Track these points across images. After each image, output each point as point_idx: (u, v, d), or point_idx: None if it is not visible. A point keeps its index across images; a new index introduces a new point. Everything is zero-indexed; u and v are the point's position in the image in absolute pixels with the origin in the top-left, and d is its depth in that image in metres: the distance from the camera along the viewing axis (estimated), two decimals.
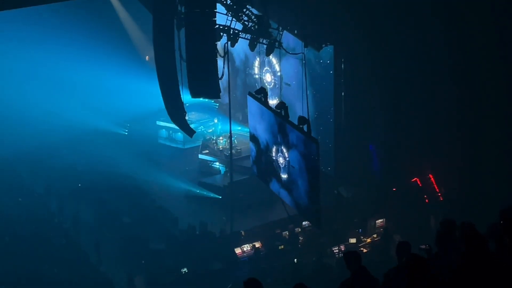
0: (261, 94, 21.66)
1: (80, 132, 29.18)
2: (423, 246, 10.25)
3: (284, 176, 21.38)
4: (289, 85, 24.40)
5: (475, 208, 18.89)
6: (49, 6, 27.16)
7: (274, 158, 21.69)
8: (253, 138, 22.90)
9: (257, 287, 8.79)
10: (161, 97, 22.76)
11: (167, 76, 21.95)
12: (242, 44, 23.45)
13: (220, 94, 21.38)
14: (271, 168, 22.06)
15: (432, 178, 21.80)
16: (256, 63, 26.50)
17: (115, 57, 30.85)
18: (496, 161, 19.39)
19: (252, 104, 22.36)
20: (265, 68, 26.00)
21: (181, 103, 22.38)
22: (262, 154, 22.53)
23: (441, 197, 21.65)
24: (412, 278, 7.48)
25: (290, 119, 20.38)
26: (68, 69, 30.88)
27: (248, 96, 22.56)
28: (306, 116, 20.29)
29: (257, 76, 26.38)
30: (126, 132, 28.65)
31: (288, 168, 20.88)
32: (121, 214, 23.51)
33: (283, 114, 20.41)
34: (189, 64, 20.63)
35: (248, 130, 23.69)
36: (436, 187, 21.74)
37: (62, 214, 23.42)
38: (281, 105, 20.64)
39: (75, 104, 30.34)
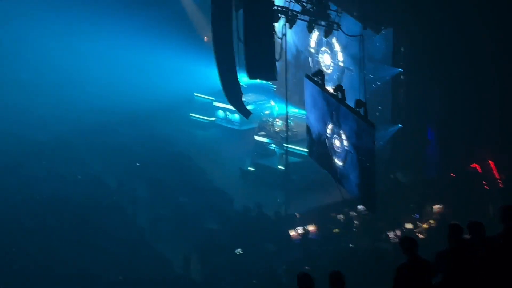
0: (318, 76, 21.50)
1: (138, 110, 29.47)
2: None
3: (339, 159, 21.23)
4: (351, 70, 23.97)
5: None
6: None
7: (330, 141, 21.55)
8: (310, 120, 22.77)
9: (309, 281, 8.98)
10: (218, 78, 22.83)
11: (224, 57, 22.02)
12: (301, 25, 23.23)
13: (277, 75, 21.31)
14: (327, 151, 21.92)
15: (492, 164, 21.34)
16: (312, 43, 26.11)
17: (173, 36, 31.08)
18: None
19: (309, 86, 22.22)
20: (323, 48, 25.62)
21: (238, 84, 22.45)
22: (318, 137, 22.41)
23: (501, 183, 21.19)
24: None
25: (347, 102, 20.19)
26: (127, 48, 31.29)
27: (305, 78, 22.43)
28: (363, 100, 20.06)
29: (318, 59, 25.99)
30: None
31: (344, 151, 20.73)
32: (177, 193, 23.70)
33: (340, 97, 20.23)
34: (246, 45, 20.61)
35: (305, 112, 23.54)
36: (496, 174, 21.29)
37: (119, 192, 23.70)
38: (339, 88, 20.45)
39: (133, 83, 30.68)
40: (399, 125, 22.85)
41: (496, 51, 20.13)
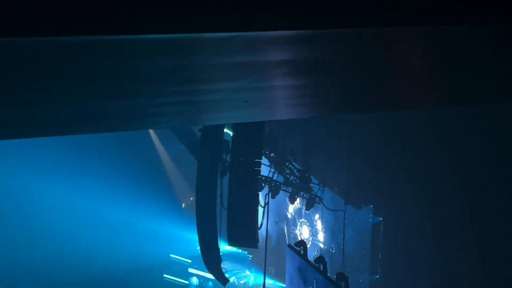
0: (300, 247, 21.40)
1: (111, 272, 28.88)
2: None
3: None
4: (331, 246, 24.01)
5: None
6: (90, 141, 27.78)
7: None
8: None
9: None
10: (193, 245, 22.66)
11: (206, 222, 21.92)
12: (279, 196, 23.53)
13: (258, 244, 21.21)
14: None
15: None
16: (289, 215, 26.34)
17: (153, 199, 31.17)
18: None
19: (291, 256, 22.03)
20: (301, 220, 25.81)
21: (217, 250, 22.20)
22: None
23: None
24: None
25: (328, 274, 19.97)
26: (103, 208, 31.14)
27: (287, 248, 22.31)
28: (345, 273, 19.88)
29: (297, 231, 26.13)
30: None
31: None
32: None
33: (321, 269, 20.01)
34: (230, 211, 20.65)
35: (280, 284, 23.20)
36: None
37: None
38: (320, 259, 20.29)
39: (109, 243, 30.31)
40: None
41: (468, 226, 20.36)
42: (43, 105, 6.51)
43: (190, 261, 29.90)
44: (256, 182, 20.74)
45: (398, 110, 15.34)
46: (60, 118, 7.67)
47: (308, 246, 24.82)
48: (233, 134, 20.64)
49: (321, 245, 24.57)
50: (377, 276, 22.92)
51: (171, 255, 31.16)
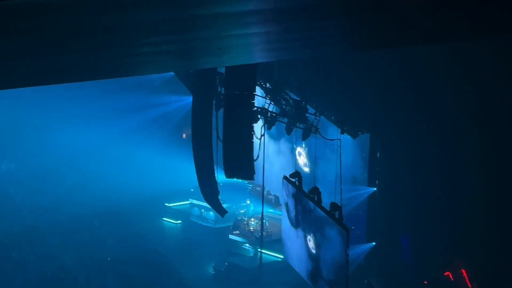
0: (295, 178, 21.69)
1: (112, 205, 29.43)
2: None
3: (313, 261, 21.14)
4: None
5: None
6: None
7: (305, 243, 21.52)
8: (285, 221, 22.80)
9: None
10: (195, 176, 22.94)
11: (203, 155, 22.17)
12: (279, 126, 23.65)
13: (254, 175, 21.45)
14: (302, 253, 21.85)
15: (464, 273, 21.34)
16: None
17: (154, 133, 31.51)
18: None
19: (286, 187, 22.37)
20: (297, 150, 26.03)
21: (215, 183, 22.51)
22: (293, 238, 22.37)
23: None
24: None
25: (323, 204, 20.29)
26: (106, 141, 31.56)
27: (282, 179, 22.61)
28: (339, 203, 20.18)
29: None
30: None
31: (318, 254, 20.66)
32: None
33: (316, 199, 20.34)
34: (225, 144, 20.83)
35: (281, 213, 23.60)
36: (468, 283, 21.25)
37: (89, 287, 23.28)
38: (315, 190, 20.60)
39: (109, 178, 30.80)
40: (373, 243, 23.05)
41: (467, 164, 20.52)
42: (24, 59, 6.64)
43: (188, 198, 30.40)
44: (250, 115, 20.83)
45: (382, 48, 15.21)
46: (42, 69, 7.76)
47: (306, 170, 25.19)
48: (226, 67, 20.56)
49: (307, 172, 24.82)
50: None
51: (166, 203, 31.64)
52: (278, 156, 27.53)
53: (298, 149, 25.95)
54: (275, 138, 27.28)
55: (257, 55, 10.22)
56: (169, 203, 31.15)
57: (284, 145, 27.08)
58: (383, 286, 22.66)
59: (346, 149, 23.06)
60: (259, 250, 24.99)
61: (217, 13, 5.91)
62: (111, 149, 31.85)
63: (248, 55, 9.34)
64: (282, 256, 24.08)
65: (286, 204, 22.52)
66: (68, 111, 31.50)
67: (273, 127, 23.23)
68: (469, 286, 21.21)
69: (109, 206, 29.31)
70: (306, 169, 25.50)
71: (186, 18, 5.95)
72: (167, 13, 5.54)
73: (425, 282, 22.05)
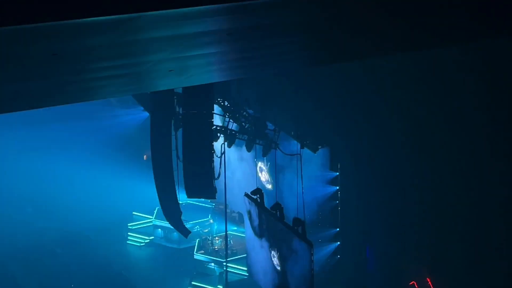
0: (257, 195, 21.63)
1: (74, 231, 29.08)
2: None
3: (279, 277, 21.05)
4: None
5: None
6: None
7: (269, 259, 21.43)
8: (249, 231, 22.72)
9: None
10: (156, 197, 22.75)
11: (163, 176, 22.00)
12: (239, 150, 23.65)
13: (216, 194, 21.35)
14: (267, 265, 21.75)
15: (429, 282, 21.48)
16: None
17: (113, 155, 31.25)
18: (496, 267, 19.16)
19: (248, 205, 22.30)
20: (259, 166, 26.00)
21: (176, 203, 22.34)
22: (258, 249, 22.28)
23: None
24: None
25: (285, 220, 20.26)
26: (67, 166, 31.22)
27: (244, 196, 22.54)
28: (302, 218, 20.16)
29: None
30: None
31: (282, 271, 20.59)
32: None
33: (278, 215, 20.30)
34: (186, 164, 20.72)
35: (245, 236, 23.53)
36: None
37: None
38: (277, 206, 20.56)
39: (71, 203, 30.42)
40: (338, 242, 23.00)
41: (435, 169, 20.70)
42: None
43: (152, 217, 30.19)
44: (209, 133, 20.77)
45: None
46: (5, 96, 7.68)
47: (269, 187, 25.15)
48: (183, 87, 20.50)
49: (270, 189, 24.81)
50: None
51: (134, 213, 31.44)
52: (241, 173, 27.44)
53: (259, 164, 25.89)
54: (237, 155, 27.19)
55: (214, 75, 10.21)
56: (132, 225, 30.86)
57: (245, 162, 27.02)
58: None
59: (309, 162, 23.17)
60: (224, 269, 24.83)
61: (165, 36, 5.87)
62: (71, 175, 31.45)
63: (204, 75, 9.32)
64: (247, 273, 23.90)
65: (249, 213, 22.41)
66: (25, 138, 31.08)
67: (233, 145, 23.18)
68: None
69: (71, 231, 28.98)
70: (269, 186, 25.48)
71: (132, 42, 5.91)
72: (112, 38, 5.49)
73: None
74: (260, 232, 21.66)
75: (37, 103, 9.50)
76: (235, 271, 25.41)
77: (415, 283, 21.67)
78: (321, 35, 7.26)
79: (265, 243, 21.44)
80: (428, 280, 21.48)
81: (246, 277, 24.39)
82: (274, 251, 21.01)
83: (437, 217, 20.80)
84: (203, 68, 8.24)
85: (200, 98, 20.02)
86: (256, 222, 21.97)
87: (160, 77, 8.17)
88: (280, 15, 5.77)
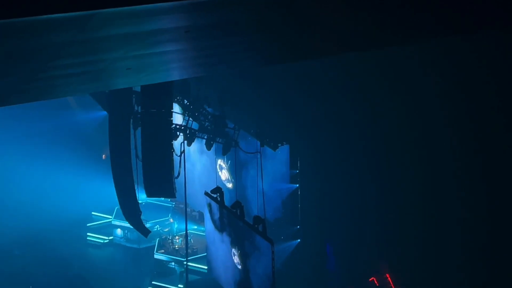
0: (217, 193, 21.59)
1: (31, 232, 28.68)
2: None
3: (240, 277, 21.05)
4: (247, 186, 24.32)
5: None
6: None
7: (230, 257, 21.42)
8: (209, 224, 22.68)
9: None
10: (116, 196, 22.55)
11: (122, 175, 21.80)
12: (199, 142, 23.53)
13: (176, 193, 21.25)
14: (228, 268, 21.74)
15: (389, 278, 21.70)
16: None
17: (71, 154, 30.91)
18: (452, 263, 19.46)
19: (208, 203, 22.25)
20: (218, 163, 25.95)
21: (136, 203, 22.17)
22: (218, 243, 22.24)
23: None
24: None
25: (246, 218, 20.26)
26: (23, 167, 30.78)
27: (204, 195, 22.49)
28: (262, 216, 20.19)
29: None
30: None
31: (244, 269, 20.59)
32: None
33: (238, 213, 20.29)
34: (145, 163, 20.56)
35: (205, 229, 23.46)
36: (393, 286, 21.61)
37: None
38: (237, 204, 20.55)
39: (28, 203, 30.01)
40: (298, 240, 23.09)
41: (392, 165, 20.89)
42: None
43: (111, 217, 29.95)
44: (169, 132, 20.67)
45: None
46: None
47: (230, 186, 25.12)
48: (142, 86, 20.33)
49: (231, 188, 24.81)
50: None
51: (93, 213, 31.17)
52: (200, 172, 27.35)
53: (219, 162, 25.83)
54: (196, 154, 27.10)
55: (173, 73, 10.14)
56: (91, 225, 30.57)
57: (205, 160, 26.94)
58: None
59: (273, 159, 23.24)
60: (184, 268, 24.73)
61: (121, 34, 5.81)
62: (29, 174, 31.00)
63: (162, 73, 9.25)
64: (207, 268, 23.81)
65: (209, 206, 22.32)
66: None
67: (193, 143, 23.09)
68: None
69: (28, 233, 28.55)
70: (229, 185, 25.45)
71: (88, 40, 5.83)
72: (67, 37, 5.42)
73: None
74: (221, 226, 21.61)
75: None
76: (196, 269, 25.31)
77: (374, 279, 21.89)
78: (273, 34, 7.26)
79: (226, 238, 21.38)
80: (388, 276, 21.71)
81: (206, 275, 24.30)
82: (235, 249, 21.00)
83: (395, 213, 21.02)
84: (162, 66, 8.18)
85: (159, 96, 19.88)
86: (216, 216, 21.90)
87: (118, 75, 8.08)
88: (234, 11, 5.76)
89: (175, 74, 10.37)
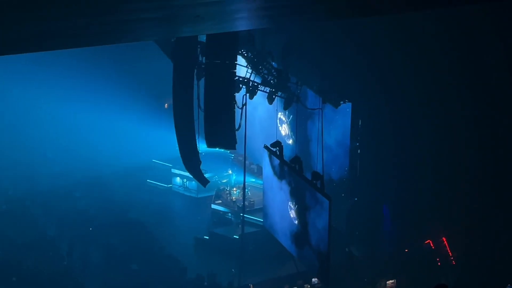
0: (276, 148, 21.65)
1: (93, 176, 29.36)
2: None
3: (295, 231, 21.21)
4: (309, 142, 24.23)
5: (487, 274, 18.58)
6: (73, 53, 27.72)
7: (286, 212, 21.56)
8: (267, 190, 22.81)
9: None
10: (176, 145, 22.84)
11: (184, 125, 22.04)
12: (262, 96, 23.50)
13: (236, 145, 21.38)
14: (283, 222, 21.91)
15: (445, 241, 21.54)
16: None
17: (134, 102, 31.35)
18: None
19: (267, 157, 22.34)
20: (279, 117, 25.91)
21: (196, 152, 22.41)
22: (275, 207, 22.41)
23: (453, 260, 21.35)
24: None
25: (304, 173, 20.30)
26: (87, 112, 31.39)
27: (263, 148, 22.57)
28: (321, 172, 20.20)
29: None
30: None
31: (300, 223, 20.72)
32: (129, 260, 23.33)
33: (297, 168, 20.34)
34: (207, 114, 20.71)
35: (262, 182, 23.60)
36: (449, 251, 21.46)
37: (71, 257, 23.27)
38: (296, 159, 20.59)
39: (91, 148, 30.67)
40: (355, 198, 23.01)
41: (451, 127, 20.57)
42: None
43: (171, 165, 30.37)
44: (232, 84, 20.71)
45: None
46: (21, 37, 7.68)
47: (290, 142, 25.13)
48: (207, 36, 20.37)
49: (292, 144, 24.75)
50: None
51: (154, 160, 31.70)
52: (260, 126, 27.43)
53: (280, 115, 25.79)
54: (258, 107, 27.11)
55: (239, 23, 10.09)
56: (151, 172, 31.13)
57: (266, 114, 26.96)
58: (364, 255, 22.79)
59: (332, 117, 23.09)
60: (240, 219, 25.01)
61: None
62: (91, 120, 31.65)
63: (228, 23, 9.23)
64: (263, 221, 24.05)
65: (267, 174, 22.45)
66: (45, 83, 31.17)
67: (255, 96, 23.09)
68: (450, 254, 21.43)
69: (90, 176, 29.25)
70: (290, 141, 25.44)
71: None
72: None
73: (406, 251, 22.24)
74: (280, 173, 21.65)
75: (65, 44, 9.51)
76: (252, 221, 25.57)
77: (430, 242, 21.74)
78: None
79: (284, 186, 21.42)
80: (444, 239, 21.54)
81: (262, 228, 24.53)
82: (292, 202, 21.11)
83: (453, 178, 20.76)
84: (230, 15, 8.15)
85: (224, 48, 19.89)
86: (276, 162, 21.93)
87: (187, 22, 8.11)
88: None
89: (242, 24, 10.32)
